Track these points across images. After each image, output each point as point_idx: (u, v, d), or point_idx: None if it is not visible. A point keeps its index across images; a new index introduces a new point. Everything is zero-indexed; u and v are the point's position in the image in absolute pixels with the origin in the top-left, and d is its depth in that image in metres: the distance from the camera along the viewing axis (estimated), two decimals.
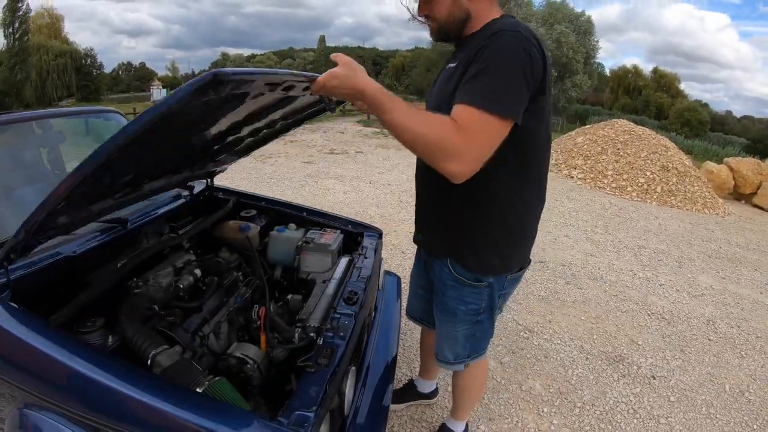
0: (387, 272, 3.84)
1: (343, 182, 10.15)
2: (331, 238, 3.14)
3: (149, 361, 1.90)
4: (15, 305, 1.93)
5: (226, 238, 3.23)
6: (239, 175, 10.32)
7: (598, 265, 6.44)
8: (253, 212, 3.60)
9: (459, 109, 1.56)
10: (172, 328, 2.21)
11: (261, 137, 2.89)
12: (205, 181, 3.54)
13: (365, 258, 3.00)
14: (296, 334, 2.16)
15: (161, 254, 2.74)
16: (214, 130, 2.17)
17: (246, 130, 2.53)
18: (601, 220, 8.88)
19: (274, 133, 2.98)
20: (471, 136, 1.52)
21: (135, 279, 2.43)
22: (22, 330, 1.79)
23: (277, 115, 2.49)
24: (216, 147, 2.51)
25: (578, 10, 44.48)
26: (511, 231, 2.00)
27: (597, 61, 51.72)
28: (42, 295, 2.23)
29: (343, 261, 2.94)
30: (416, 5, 1.92)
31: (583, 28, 42.93)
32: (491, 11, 1.85)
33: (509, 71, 1.57)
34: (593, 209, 9.74)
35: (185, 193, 3.49)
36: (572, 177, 12.66)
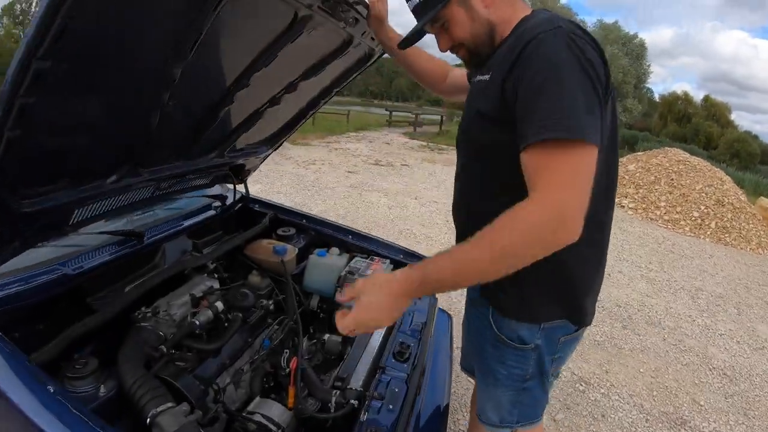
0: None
1: (387, 196, 9.74)
2: (380, 269, 2.66)
3: (148, 421, 1.48)
4: None
5: (258, 260, 2.78)
6: (280, 181, 10.05)
7: (655, 308, 6.08)
8: (292, 231, 3.16)
9: (527, 157, 1.25)
10: (180, 376, 1.77)
11: (289, 116, 2.56)
12: (236, 190, 3.12)
13: (418, 299, 2.49)
14: (333, 399, 1.76)
15: (180, 277, 2.31)
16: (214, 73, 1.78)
17: (261, 90, 2.14)
18: (656, 256, 8.46)
19: (299, 112, 2.61)
20: (559, 183, 1.20)
21: (143, 308, 1.99)
22: None
23: (294, 70, 2.13)
24: (225, 107, 2.05)
25: (631, 32, 44.07)
26: (565, 275, 1.62)
27: (647, 85, 50.84)
28: (31, 321, 1.83)
29: None
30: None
31: (636, 52, 42.03)
32: (515, 10, 1.53)
33: (569, 80, 1.23)
34: (646, 243, 9.33)
35: (216, 203, 3.06)
36: (623, 206, 12.12)
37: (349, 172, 11.95)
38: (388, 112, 29.65)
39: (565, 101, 1.20)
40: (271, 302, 2.61)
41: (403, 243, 6.88)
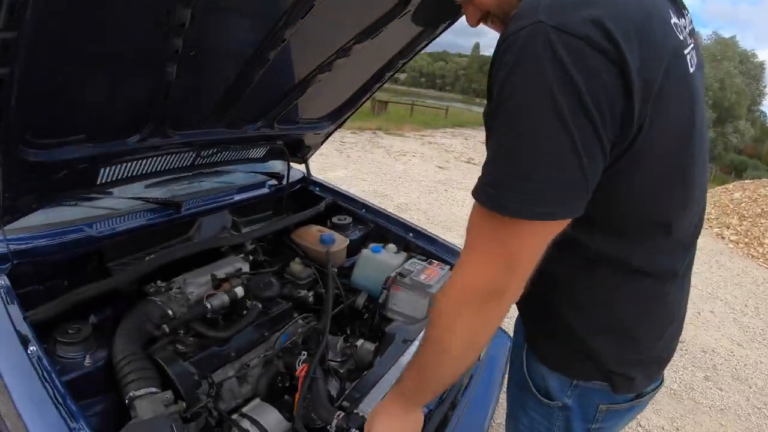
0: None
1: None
2: (436, 277, 2.35)
3: (126, 401, 1.39)
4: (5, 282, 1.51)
5: (303, 247, 2.57)
6: (366, 168, 9.98)
7: (744, 361, 5.34)
8: (348, 220, 2.92)
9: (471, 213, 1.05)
10: (174, 361, 1.62)
11: (350, 90, 2.35)
12: (289, 169, 2.88)
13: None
14: (334, 422, 1.52)
15: (213, 254, 2.15)
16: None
17: (304, 51, 1.92)
18: (752, 299, 7.47)
19: (363, 87, 2.37)
20: (478, 255, 1.04)
21: (158, 282, 1.86)
22: None
23: (344, 31, 1.89)
24: (259, 68, 1.80)
25: (749, 49, 39.40)
26: (603, 325, 1.22)
27: (761, 108, 45.69)
28: (49, 277, 1.80)
29: None
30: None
31: (753, 72, 37.83)
32: None
33: (531, 114, 0.87)
34: (744, 283, 8.28)
35: (272, 182, 2.87)
36: (723, 237, 10.97)
37: (439, 167, 11.63)
38: None
39: (514, 153, 0.90)
40: (310, 293, 2.40)
41: None
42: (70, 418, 1.16)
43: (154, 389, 1.42)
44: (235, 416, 1.62)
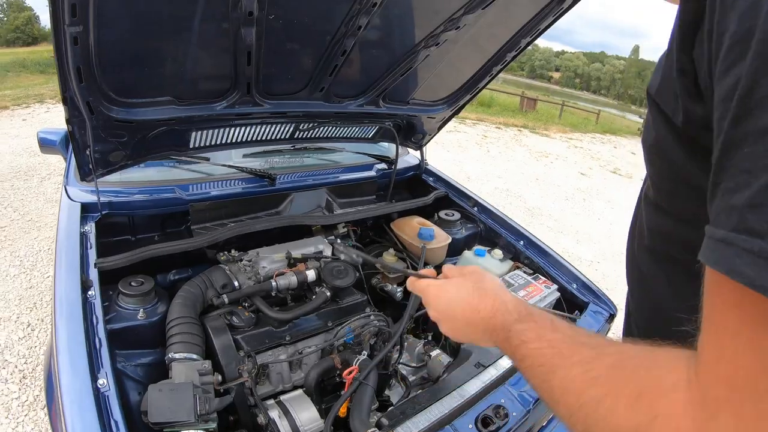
0: None
1: (613, 210, 8.35)
2: (538, 295, 2.06)
3: (166, 361, 1.42)
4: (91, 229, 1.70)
5: (400, 239, 2.39)
6: (504, 166, 9.54)
7: None
8: (456, 216, 2.68)
9: (707, 285, 0.52)
10: (223, 333, 1.59)
11: (468, 73, 2.14)
12: (397, 153, 2.70)
13: None
14: None
15: (301, 231, 2.08)
16: None
17: (403, 21, 1.76)
18: None
19: (482, 69, 2.16)
20: (730, 379, 0.47)
21: (232, 251, 1.85)
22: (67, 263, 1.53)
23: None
24: (350, 39, 1.66)
25: None
26: None
27: None
28: (134, 231, 1.98)
29: None
30: None
31: None
32: None
33: None
34: None
35: (381, 165, 2.73)
36: None
37: (581, 173, 10.73)
38: (641, 120, 26.03)
39: None
40: (399, 289, 2.24)
41: (602, 268, 6.04)
42: (96, 364, 1.23)
43: (194, 356, 1.43)
44: (271, 401, 1.56)
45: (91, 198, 1.76)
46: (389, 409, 1.47)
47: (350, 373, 1.53)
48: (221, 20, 1.37)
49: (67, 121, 1.43)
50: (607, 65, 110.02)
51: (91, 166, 1.64)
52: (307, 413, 1.49)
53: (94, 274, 1.52)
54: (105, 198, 1.82)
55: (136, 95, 1.51)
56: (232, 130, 1.88)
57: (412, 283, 1.06)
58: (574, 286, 2.23)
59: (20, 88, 13.07)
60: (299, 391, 1.62)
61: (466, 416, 1.41)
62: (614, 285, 5.27)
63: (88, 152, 1.58)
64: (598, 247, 6.34)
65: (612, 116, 29.10)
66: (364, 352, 1.67)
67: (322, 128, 2.18)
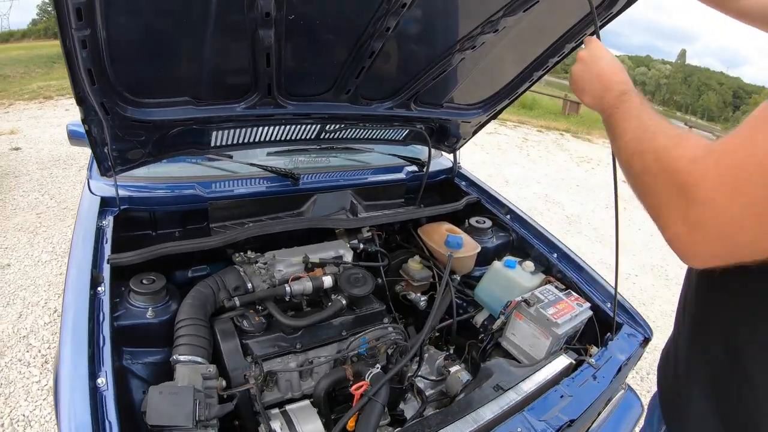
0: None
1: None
2: (568, 313, 1.93)
3: (171, 362, 1.42)
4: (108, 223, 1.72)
5: (427, 245, 2.30)
6: (543, 170, 9.30)
7: None
8: (488, 224, 2.57)
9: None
10: (231, 337, 1.57)
11: (506, 78, 2.08)
12: (430, 156, 2.60)
13: (596, 378, 1.70)
14: None
15: (323, 233, 2.04)
16: None
17: (436, 23, 1.69)
18: None
19: (521, 75, 2.09)
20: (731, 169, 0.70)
21: (248, 252, 1.81)
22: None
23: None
24: (376, 41, 1.58)
25: None
26: None
27: None
28: (149, 228, 1.97)
29: (563, 361, 1.72)
30: None
31: None
32: None
33: None
34: None
35: (411, 168, 2.64)
36: None
37: (623, 181, 10.36)
38: (687, 128, 24.85)
39: None
40: (423, 298, 2.16)
41: (639, 281, 5.68)
42: (97, 363, 1.23)
43: (199, 359, 1.40)
44: (275, 411, 1.51)
45: (112, 192, 1.75)
46: (397, 429, 1.40)
47: (359, 388, 1.46)
48: (237, 21, 1.33)
49: (83, 121, 1.41)
50: (652, 69, 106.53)
51: (110, 163, 1.63)
52: (311, 426, 1.44)
53: (106, 270, 1.51)
54: (126, 193, 1.82)
55: (153, 95, 1.49)
56: (255, 129, 1.85)
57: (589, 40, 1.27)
58: (608, 305, 2.09)
59: (65, 79, 13.51)
60: (306, 402, 1.56)
61: None
62: (651, 300, 5.05)
63: (106, 150, 1.57)
64: (637, 260, 6.08)
65: None
66: (377, 365, 1.59)
67: (350, 130, 2.11)
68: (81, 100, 1.34)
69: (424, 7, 1.50)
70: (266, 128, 1.87)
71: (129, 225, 1.89)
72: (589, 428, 1.79)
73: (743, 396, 0.98)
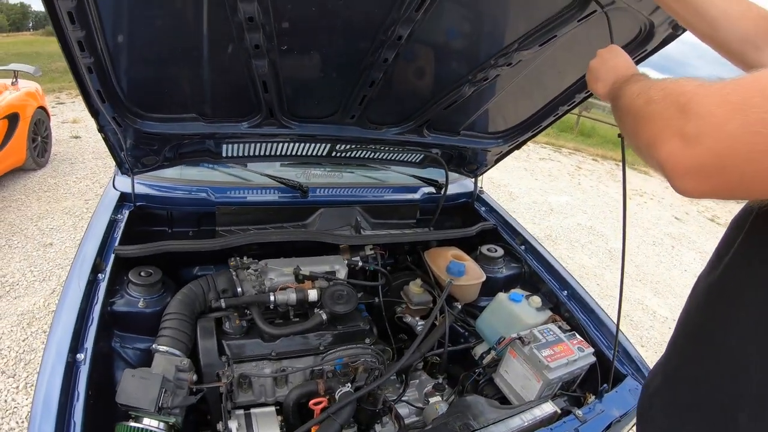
0: None
1: (704, 261, 7.13)
2: (565, 357, 1.86)
3: (152, 350, 1.53)
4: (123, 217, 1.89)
5: (431, 269, 2.28)
6: (593, 201, 9.06)
7: None
8: (499, 252, 2.51)
9: None
10: (210, 336, 1.67)
11: (529, 110, 2.10)
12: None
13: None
14: None
15: (327, 248, 2.09)
16: None
17: (444, 52, 1.70)
18: None
19: (547, 108, 2.08)
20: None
21: (245, 257, 1.88)
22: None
23: (504, 32, 1.62)
24: (377, 65, 1.60)
25: None
26: None
27: None
28: (161, 225, 2.11)
29: (546, 408, 1.66)
30: None
31: None
32: None
33: None
34: None
35: (428, 189, 2.62)
36: None
37: (675, 218, 9.91)
38: None
39: None
40: (420, 322, 2.14)
41: (669, 327, 5.36)
42: (81, 340, 1.36)
43: (177, 352, 1.49)
44: (240, 411, 1.58)
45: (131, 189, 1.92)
46: None
47: (318, 403, 1.48)
48: (231, 51, 1.41)
49: (99, 130, 1.56)
50: None
51: (127, 166, 1.78)
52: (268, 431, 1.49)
53: (110, 259, 1.64)
54: (146, 190, 1.97)
55: (162, 111, 1.61)
56: (264, 145, 1.92)
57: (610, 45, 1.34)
58: (614, 352, 1.99)
59: None
60: (270, 409, 1.62)
61: None
62: None
63: (123, 155, 1.72)
64: (678, 302, 5.76)
65: None
66: (348, 384, 1.60)
67: (361, 150, 2.14)
68: (95, 113, 1.46)
69: (428, 39, 1.53)
70: (275, 144, 1.95)
71: (147, 220, 2.02)
72: None
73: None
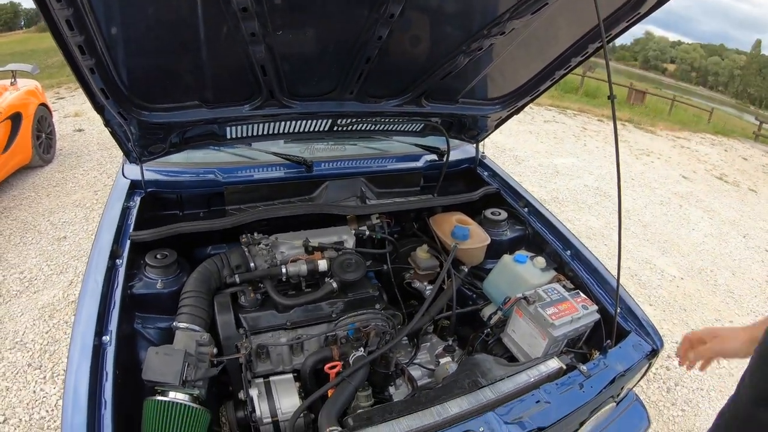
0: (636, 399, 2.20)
1: (711, 220, 7.55)
2: (569, 315, 1.90)
3: (172, 327, 1.59)
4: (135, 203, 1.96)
5: (436, 235, 2.33)
6: (599, 162, 9.01)
7: None
8: (503, 216, 2.55)
9: None
10: (227, 310, 1.73)
11: (525, 76, 2.10)
12: (449, 147, 2.59)
13: (582, 387, 1.65)
14: None
15: (334, 219, 2.16)
16: None
17: (440, 21, 1.70)
18: None
19: (543, 73, 2.08)
20: None
21: (255, 233, 1.95)
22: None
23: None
24: (373, 37, 1.60)
25: None
26: None
27: None
28: (172, 208, 2.17)
29: (552, 365, 1.70)
30: None
31: None
32: None
33: None
34: None
35: (430, 157, 2.65)
36: None
37: (683, 176, 9.85)
38: (758, 123, 22.57)
39: None
40: (428, 287, 2.20)
41: (685, 286, 5.39)
42: (105, 323, 1.44)
43: (196, 327, 1.55)
44: (260, 380, 1.66)
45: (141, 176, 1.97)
46: (358, 411, 1.46)
47: (333, 367, 1.54)
48: (227, 39, 1.44)
49: (105, 125, 1.61)
50: (726, 59, 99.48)
51: (135, 155, 1.84)
52: (288, 399, 1.57)
53: (126, 245, 1.71)
54: (154, 176, 2.02)
55: (165, 101, 1.65)
56: (268, 124, 1.96)
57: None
58: (620, 310, 2.01)
59: None
60: (288, 376, 1.69)
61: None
62: (694, 306, 4.80)
63: (130, 145, 1.77)
64: (686, 261, 5.78)
65: (727, 116, 26.15)
66: (361, 348, 1.67)
67: (362, 123, 2.18)
68: (100, 109, 1.51)
69: (421, 13, 1.55)
70: (277, 123, 1.99)
71: (158, 205, 2.09)
72: None
73: None
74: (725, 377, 3.80)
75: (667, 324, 4.42)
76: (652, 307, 4.64)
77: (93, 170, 5.91)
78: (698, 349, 1.45)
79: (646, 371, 1.95)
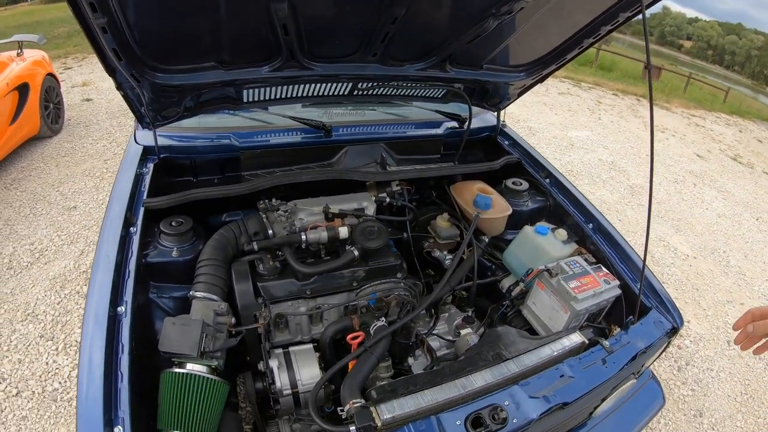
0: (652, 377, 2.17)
1: (725, 200, 7.40)
2: (591, 289, 1.86)
3: (189, 296, 1.55)
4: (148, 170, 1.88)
5: (457, 203, 2.28)
6: (614, 136, 8.84)
7: None
8: (524, 186, 2.48)
9: None
10: (245, 279, 1.69)
11: (552, 43, 2.00)
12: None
13: (605, 362, 1.61)
14: (346, 408, 1.34)
15: (353, 185, 2.13)
16: None
17: None
18: None
19: (570, 41, 1.99)
20: None
21: (273, 199, 1.88)
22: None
23: None
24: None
25: None
26: None
27: None
28: (187, 174, 2.11)
29: (574, 339, 1.66)
30: None
31: None
32: None
33: None
34: None
35: (451, 124, 2.58)
36: None
37: (697, 155, 9.68)
38: None
39: None
40: (448, 256, 2.16)
41: (697, 265, 5.27)
42: (120, 293, 1.39)
43: (214, 297, 1.51)
44: (279, 350, 1.62)
45: (154, 142, 1.89)
46: (382, 384, 1.42)
47: (356, 338, 1.51)
48: None
49: (117, 88, 1.53)
50: (743, 39, 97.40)
51: (148, 120, 1.77)
52: (308, 370, 1.54)
53: (140, 213, 1.65)
54: (167, 142, 1.96)
55: (180, 62, 1.57)
56: (287, 87, 1.89)
57: None
58: (638, 285, 1.97)
59: None
60: (308, 346, 1.66)
61: (457, 411, 1.31)
62: (706, 286, 4.74)
63: (143, 110, 1.69)
64: (699, 241, 5.70)
65: (743, 96, 25.59)
66: (383, 318, 1.63)
67: (383, 87, 2.10)
68: (111, 71, 1.44)
69: None
70: (296, 86, 1.91)
71: (171, 171, 2.04)
72: (591, 413, 1.74)
73: None
74: (735, 359, 3.76)
75: (678, 303, 4.32)
76: (665, 285, 4.59)
77: (102, 139, 5.86)
78: (758, 323, 1.30)
79: (664, 349, 1.91)
